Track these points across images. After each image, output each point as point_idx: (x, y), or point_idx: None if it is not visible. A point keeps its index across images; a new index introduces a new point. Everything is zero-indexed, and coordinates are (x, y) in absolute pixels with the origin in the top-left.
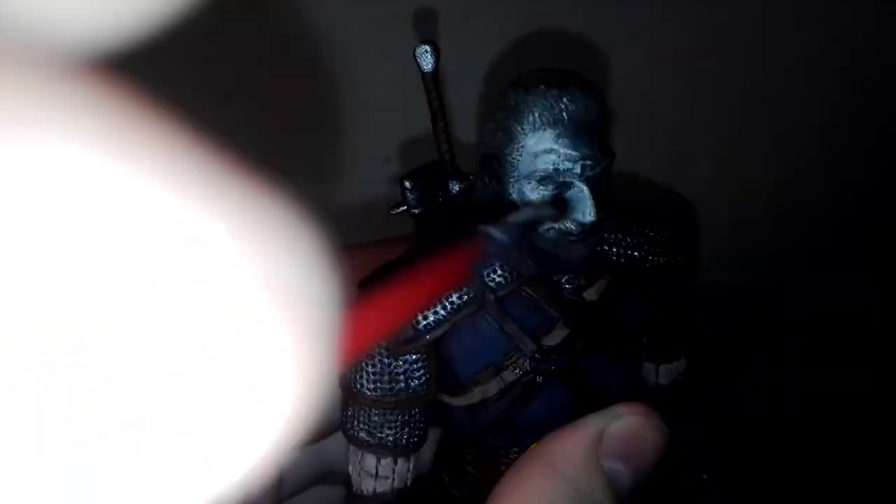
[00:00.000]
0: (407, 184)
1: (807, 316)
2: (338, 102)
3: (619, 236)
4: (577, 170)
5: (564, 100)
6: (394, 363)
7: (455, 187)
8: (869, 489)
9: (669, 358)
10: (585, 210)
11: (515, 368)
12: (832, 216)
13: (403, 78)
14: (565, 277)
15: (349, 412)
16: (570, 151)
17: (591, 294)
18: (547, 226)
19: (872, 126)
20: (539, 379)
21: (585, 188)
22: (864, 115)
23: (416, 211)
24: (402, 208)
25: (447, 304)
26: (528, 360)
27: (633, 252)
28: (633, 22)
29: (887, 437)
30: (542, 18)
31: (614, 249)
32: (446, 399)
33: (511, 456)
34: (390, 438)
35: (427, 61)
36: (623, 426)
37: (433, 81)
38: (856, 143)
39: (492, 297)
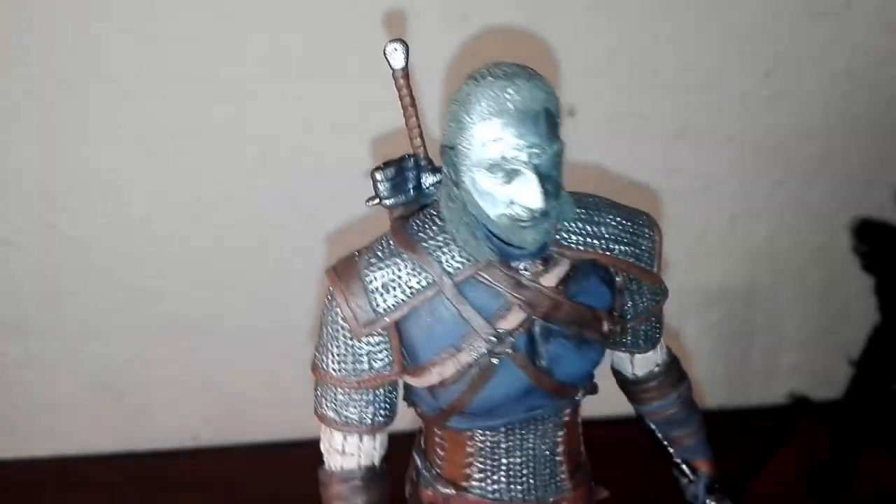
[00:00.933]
0: (378, 176)
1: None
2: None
3: (580, 225)
4: (524, 157)
5: (509, 90)
6: (357, 345)
7: (428, 179)
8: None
9: (642, 348)
10: (533, 196)
11: (472, 351)
12: (831, 214)
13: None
14: (523, 263)
15: (318, 392)
16: (516, 140)
17: (548, 280)
18: (499, 212)
19: (871, 125)
20: (495, 361)
21: (533, 175)
22: (861, 113)
23: (388, 202)
24: (375, 200)
25: (406, 287)
26: (483, 343)
27: (592, 240)
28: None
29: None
30: (538, 19)
31: (573, 237)
32: (408, 380)
33: (476, 437)
34: (355, 417)
35: (397, 58)
36: None
37: (404, 78)
38: (853, 142)
39: (449, 281)
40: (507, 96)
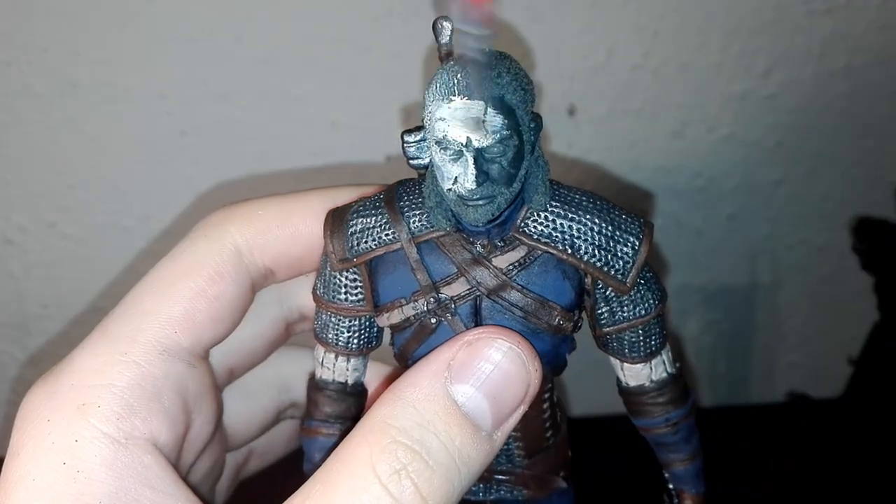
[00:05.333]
0: (406, 137)
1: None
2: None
3: (549, 218)
4: (463, 140)
5: (459, 76)
6: (337, 276)
7: None
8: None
9: (628, 357)
10: (467, 178)
11: (415, 306)
12: (831, 213)
13: (402, 76)
14: (481, 241)
15: (315, 311)
16: (457, 122)
17: (500, 261)
18: (447, 187)
19: (871, 124)
20: (433, 321)
21: (470, 157)
22: (861, 112)
23: (414, 162)
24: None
25: (377, 237)
26: (425, 302)
27: (556, 234)
28: (633, 19)
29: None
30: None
31: (538, 228)
32: (376, 320)
33: None
34: (331, 337)
35: (444, 34)
36: (466, 349)
37: (447, 54)
38: (853, 141)
39: (410, 240)
40: (455, 81)
